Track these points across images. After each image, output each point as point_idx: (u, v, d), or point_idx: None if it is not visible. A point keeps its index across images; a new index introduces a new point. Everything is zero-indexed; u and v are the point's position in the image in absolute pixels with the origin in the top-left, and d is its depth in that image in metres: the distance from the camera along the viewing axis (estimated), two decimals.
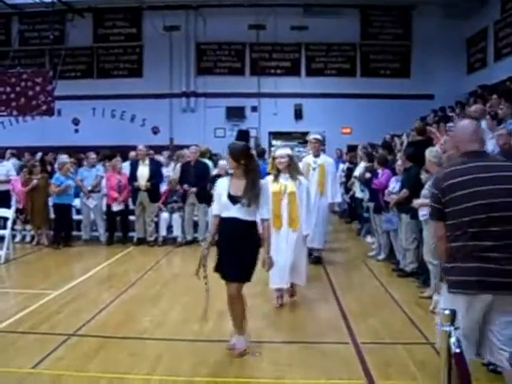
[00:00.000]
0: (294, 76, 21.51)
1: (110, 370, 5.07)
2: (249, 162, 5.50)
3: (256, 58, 21.47)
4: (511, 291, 3.54)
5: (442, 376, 3.36)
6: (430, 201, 4.13)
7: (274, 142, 20.57)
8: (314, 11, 20.38)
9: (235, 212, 5.39)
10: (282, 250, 6.98)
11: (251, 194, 5.36)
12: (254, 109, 21.26)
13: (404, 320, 6.76)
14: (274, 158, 7.40)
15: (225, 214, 5.47)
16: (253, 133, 20.66)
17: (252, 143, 19.23)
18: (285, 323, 6.72)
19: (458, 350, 3.21)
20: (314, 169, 9.98)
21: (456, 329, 3.32)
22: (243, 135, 19.64)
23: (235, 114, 21.06)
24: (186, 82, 21.33)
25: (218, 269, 5.48)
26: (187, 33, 21.19)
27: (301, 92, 20.95)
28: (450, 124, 11.57)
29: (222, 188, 5.56)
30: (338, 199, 10.74)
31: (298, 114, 21.10)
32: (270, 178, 7.22)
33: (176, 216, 12.10)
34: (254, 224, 5.53)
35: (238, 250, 5.39)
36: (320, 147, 10.29)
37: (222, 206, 5.51)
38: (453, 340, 3.24)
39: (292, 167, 7.19)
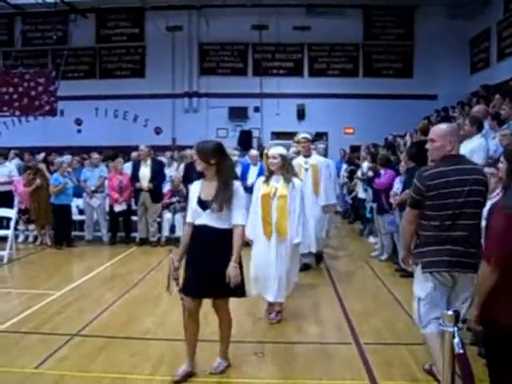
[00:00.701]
0: (296, 76, 21.51)
1: (112, 370, 5.07)
2: (220, 161, 4.87)
3: (259, 58, 21.48)
4: (474, 269, 4.12)
5: (446, 377, 3.36)
6: (411, 191, 4.78)
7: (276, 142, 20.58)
8: (316, 11, 20.38)
9: (205, 219, 4.83)
10: (272, 262, 6.50)
11: (223, 197, 4.77)
12: (257, 109, 21.27)
13: (407, 320, 6.74)
14: (266, 157, 6.78)
15: (196, 222, 4.91)
16: (255, 133, 20.68)
17: (255, 143, 19.25)
18: (288, 323, 6.70)
19: (461, 351, 3.20)
20: (306, 170, 9.35)
21: (459, 329, 3.31)
22: (246, 136, 19.71)
23: (238, 114, 21.06)
24: (189, 82, 21.35)
25: (184, 287, 4.86)
26: (190, 33, 21.21)
27: (303, 92, 20.95)
28: (454, 124, 11.55)
29: (193, 192, 5.01)
30: (333, 201, 9.86)
31: (301, 115, 21.10)
32: (260, 179, 6.80)
33: (178, 216, 12.10)
34: (229, 232, 4.84)
35: (209, 262, 4.77)
36: (310, 147, 9.67)
37: (193, 212, 4.96)
38: (456, 341, 3.24)
39: (285, 168, 6.59)
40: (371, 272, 9.55)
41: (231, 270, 4.72)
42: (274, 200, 6.50)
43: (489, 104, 11.35)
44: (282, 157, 6.60)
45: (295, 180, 6.69)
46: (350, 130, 20.65)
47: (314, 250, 9.32)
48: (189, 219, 5.00)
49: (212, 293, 4.90)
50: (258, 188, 6.68)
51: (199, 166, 4.93)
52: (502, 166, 4.62)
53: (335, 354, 5.64)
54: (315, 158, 9.57)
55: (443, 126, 4.75)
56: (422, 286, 4.58)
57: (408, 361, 5.37)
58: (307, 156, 9.46)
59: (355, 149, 17.49)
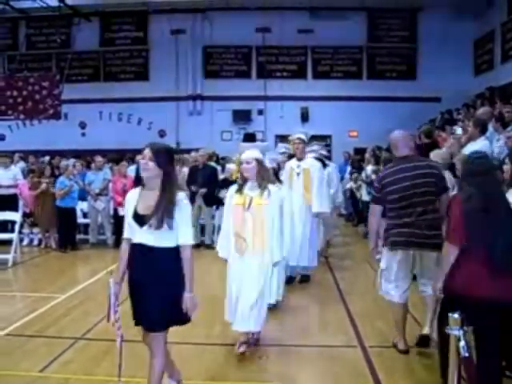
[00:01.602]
0: (300, 79, 21.48)
1: (114, 373, 5.06)
2: (171, 168, 4.20)
3: (262, 61, 21.46)
4: (428, 248, 5.36)
5: (452, 380, 3.35)
6: (373, 190, 6.14)
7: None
8: (320, 14, 20.39)
9: (142, 236, 4.07)
10: (247, 283, 5.53)
11: (164, 211, 4.00)
12: (261, 112, 21.25)
13: (411, 323, 6.72)
14: (238, 163, 5.94)
15: (134, 239, 4.17)
16: (259, 136, 20.65)
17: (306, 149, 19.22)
18: (292, 326, 6.70)
19: (467, 355, 3.20)
20: (297, 174, 8.72)
21: (465, 332, 3.31)
22: (250, 138, 19.69)
23: (242, 117, 21.05)
24: (193, 85, 21.35)
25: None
26: (194, 36, 21.20)
27: (307, 95, 20.90)
28: (455, 127, 11.55)
29: (129, 203, 4.23)
30: (326, 209, 8.92)
31: (305, 117, 21.04)
32: (232, 188, 5.84)
33: None
34: (172, 251, 4.09)
35: (146, 288, 4.10)
36: (304, 149, 8.89)
37: (129, 227, 4.22)
38: (462, 344, 3.23)
39: (261, 174, 5.64)
40: (375, 274, 9.52)
41: (187, 301, 4.07)
42: (248, 211, 5.57)
43: (493, 106, 11.34)
44: (258, 161, 5.66)
45: (272, 188, 5.74)
46: (354, 133, 20.62)
47: (303, 264, 8.75)
48: (126, 234, 4.29)
49: (146, 325, 4.29)
50: (230, 198, 5.79)
51: (149, 172, 4.11)
52: (506, 167, 4.72)
53: (340, 357, 5.63)
54: (309, 162, 8.84)
55: (396, 133, 5.77)
56: (385, 260, 5.69)
57: (413, 364, 5.37)
58: (300, 159, 8.81)
59: (359, 151, 17.50)
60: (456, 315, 3.37)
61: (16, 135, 20.84)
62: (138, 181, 12.14)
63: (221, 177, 12.62)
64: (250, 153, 5.73)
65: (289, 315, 7.17)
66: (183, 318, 4.18)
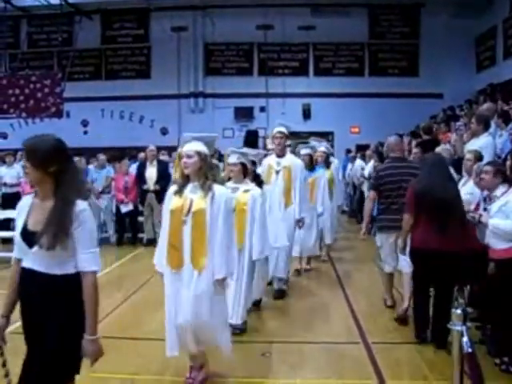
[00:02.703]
0: (302, 76, 21.48)
1: (120, 370, 5.07)
2: (62, 168, 3.18)
3: (264, 58, 21.47)
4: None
5: (455, 376, 3.35)
6: (372, 179, 7.87)
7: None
8: (321, 11, 20.37)
9: (31, 260, 3.16)
10: (183, 303, 4.56)
11: (56, 228, 3.05)
12: (263, 109, 21.25)
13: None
14: (179, 158, 4.98)
15: (23, 262, 3.26)
16: (261, 133, 20.63)
17: (260, 143, 19.21)
18: (296, 323, 6.70)
19: (470, 350, 3.19)
20: (277, 172, 7.76)
21: (467, 328, 3.30)
22: (252, 135, 19.65)
23: (243, 114, 21.05)
24: (194, 82, 21.36)
25: None
26: (195, 33, 21.22)
27: (309, 92, 20.92)
28: (459, 123, 11.53)
29: (19, 215, 3.32)
30: (304, 214, 7.88)
31: (307, 114, 21.08)
32: (172, 188, 4.83)
33: None
34: (68, 280, 3.14)
35: (34, 325, 3.28)
36: (286, 144, 8.02)
37: (18, 246, 3.30)
38: (465, 340, 3.22)
39: (203, 171, 4.65)
40: (378, 271, 9.51)
41: (86, 345, 3.22)
42: (187, 217, 4.58)
43: (495, 102, 11.32)
44: (200, 155, 4.64)
45: (217, 188, 4.68)
46: (356, 130, 20.61)
47: (279, 275, 7.71)
48: (15, 253, 3.36)
49: (30, 373, 3.31)
50: (169, 201, 4.79)
51: (30, 177, 3.27)
52: (509, 162, 4.78)
53: (344, 353, 5.63)
54: (290, 159, 7.94)
55: (391, 139, 7.22)
56: (379, 240, 7.03)
57: (416, 360, 5.36)
58: (281, 156, 7.86)
59: (361, 148, 17.49)
60: (459, 311, 3.36)
61: (18, 133, 20.77)
62: (139, 179, 12.19)
63: (223, 174, 12.59)
64: (192, 145, 4.69)
65: (292, 312, 7.17)
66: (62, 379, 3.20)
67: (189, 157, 4.64)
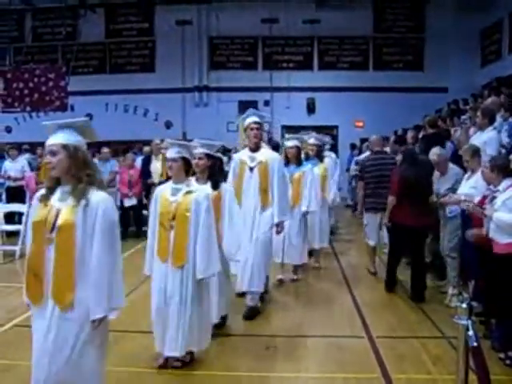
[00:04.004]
0: (306, 70, 21.40)
1: (126, 363, 5.09)
2: None
3: (268, 52, 21.40)
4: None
5: (460, 370, 3.34)
6: (358, 171, 10.02)
7: (286, 136, 20.53)
8: (326, 5, 20.28)
9: None
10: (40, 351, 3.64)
11: None
12: (267, 103, 21.18)
13: (418, 314, 6.74)
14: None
15: None
16: (265, 127, 20.62)
17: (265, 137, 19.20)
18: (300, 317, 6.71)
19: (475, 344, 3.19)
20: (251, 169, 6.69)
21: (473, 322, 3.29)
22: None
23: (248, 108, 20.81)
24: (199, 76, 21.31)
25: None
26: (199, 27, 21.16)
27: (313, 86, 20.84)
28: (464, 117, 11.50)
29: None
30: (285, 216, 6.83)
31: (311, 108, 21.03)
32: (38, 193, 3.67)
33: None
34: None
35: None
36: (262, 136, 7.02)
37: None
38: (471, 333, 3.22)
39: (72, 171, 3.52)
40: (382, 265, 9.51)
41: None
42: (52, 234, 3.44)
43: (500, 96, 11.28)
44: (68, 150, 3.49)
45: (94, 195, 3.52)
46: (360, 124, 20.55)
47: (254, 288, 6.64)
48: None
49: None
50: (33, 210, 3.66)
51: None
52: None
53: (347, 347, 5.64)
54: (266, 153, 6.86)
55: (374, 137, 9.18)
56: (366, 219, 8.73)
57: (420, 354, 5.37)
58: (256, 149, 6.77)
59: (365, 142, 17.45)
60: (464, 305, 3.36)
61: (22, 127, 20.82)
62: (145, 172, 12.20)
63: (227, 168, 12.58)
64: (57, 137, 3.56)
65: (296, 306, 7.17)
66: None
67: (52, 153, 3.48)
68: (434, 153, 7.27)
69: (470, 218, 5.95)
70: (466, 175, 6.67)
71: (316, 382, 4.87)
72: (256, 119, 6.70)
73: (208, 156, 5.68)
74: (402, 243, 7.54)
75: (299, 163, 8.36)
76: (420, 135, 10.98)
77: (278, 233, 6.82)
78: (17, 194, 12.38)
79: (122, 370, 4.94)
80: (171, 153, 5.02)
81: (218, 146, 5.97)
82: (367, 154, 12.55)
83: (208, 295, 5.23)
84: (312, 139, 9.55)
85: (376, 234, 8.60)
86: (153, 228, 5.14)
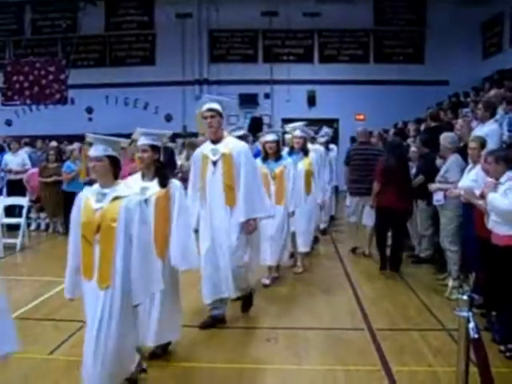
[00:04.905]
0: (306, 63, 21.36)
1: None
2: None
3: (269, 44, 21.36)
4: (368, 195, 8.80)
5: (460, 362, 3.34)
6: (345, 157, 11.02)
7: (265, 130, 20.46)
8: None
9: None
10: None
11: None
12: (267, 96, 21.18)
13: (419, 306, 6.75)
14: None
15: None
16: (266, 120, 20.61)
17: (265, 130, 19.20)
18: (301, 309, 6.71)
19: (476, 336, 3.18)
20: (213, 163, 5.84)
21: (474, 314, 3.29)
22: (256, 122, 19.65)
23: (248, 101, 20.96)
24: (199, 69, 21.27)
25: None
26: (200, 20, 21.11)
27: (314, 79, 20.80)
28: (467, 109, 11.48)
29: None
30: (260, 212, 6.02)
31: (311, 101, 20.99)
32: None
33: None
34: None
35: None
36: (221, 124, 5.90)
37: None
38: (471, 325, 3.22)
39: None
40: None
41: None
42: None
43: (502, 89, 11.26)
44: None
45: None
46: (361, 117, 20.49)
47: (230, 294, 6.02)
48: None
49: None
50: None
51: None
52: None
53: (348, 339, 5.64)
54: (231, 143, 5.95)
55: (360, 128, 10.28)
56: (349, 201, 10.08)
57: (421, 346, 5.37)
58: (217, 141, 5.89)
59: None
60: (465, 297, 3.35)
61: (22, 120, 20.82)
62: None
63: None
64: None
65: (297, 298, 7.17)
66: None
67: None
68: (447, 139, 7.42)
69: (471, 213, 5.94)
70: (468, 167, 6.66)
71: (316, 374, 4.87)
72: (211, 105, 5.77)
73: (153, 148, 4.95)
74: (385, 223, 8.45)
75: (278, 157, 7.70)
76: (421, 128, 10.98)
77: (248, 233, 5.90)
78: (17, 188, 12.38)
79: None
80: (95, 151, 4.19)
81: (166, 135, 5.30)
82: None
83: (134, 321, 4.27)
84: (297, 131, 8.65)
85: (356, 214, 9.85)
86: (74, 241, 4.19)
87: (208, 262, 5.75)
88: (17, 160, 13.06)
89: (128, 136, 5.62)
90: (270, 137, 7.69)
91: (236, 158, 5.78)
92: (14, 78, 18.16)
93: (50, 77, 18.06)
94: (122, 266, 3.98)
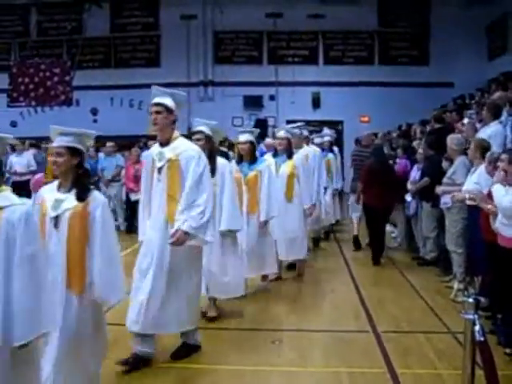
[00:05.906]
0: (311, 64, 21.37)
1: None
2: None
3: (273, 46, 21.37)
4: None
5: (466, 365, 3.33)
6: (351, 159, 11.75)
7: (240, 130, 20.42)
8: None
9: None
10: None
11: None
12: (272, 97, 21.18)
13: (424, 308, 6.74)
14: None
15: None
16: (270, 121, 20.61)
17: (270, 132, 19.19)
18: (305, 311, 6.71)
19: (482, 339, 3.17)
20: (158, 170, 4.94)
21: (479, 317, 3.28)
22: (261, 124, 19.65)
23: (253, 102, 20.98)
24: (204, 71, 21.30)
25: None
26: (204, 22, 21.12)
27: (318, 80, 20.82)
28: (471, 111, 11.46)
29: None
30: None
31: (316, 103, 20.98)
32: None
33: None
34: None
35: None
36: (170, 122, 4.96)
37: None
38: (477, 328, 3.21)
39: None
40: (388, 260, 9.51)
41: None
42: None
43: (507, 91, 11.24)
44: None
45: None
46: (366, 118, 20.48)
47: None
48: None
49: None
50: None
51: None
52: None
53: (353, 341, 5.63)
54: (178, 146, 4.93)
55: (364, 133, 11.65)
56: (350, 199, 10.88)
57: (425, 349, 5.36)
58: (165, 143, 4.97)
59: None
60: (471, 299, 3.35)
61: (27, 122, 20.82)
62: None
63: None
64: None
65: (302, 299, 7.17)
66: None
67: None
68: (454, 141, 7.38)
69: (477, 216, 5.91)
70: (471, 170, 6.64)
71: (321, 376, 4.87)
72: (157, 100, 4.93)
73: (72, 151, 3.97)
74: (371, 218, 9.44)
75: (253, 160, 7.11)
76: (426, 130, 10.97)
77: (176, 245, 4.77)
78: (22, 189, 12.39)
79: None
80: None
81: (90, 136, 4.35)
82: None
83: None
84: (282, 132, 8.21)
85: (358, 211, 10.47)
86: None
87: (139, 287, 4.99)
88: (22, 161, 13.09)
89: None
90: (243, 137, 7.05)
91: (183, 165, 4.81)
92: (20, 79, 18.21)
93: (55, 78, 18.11)
94: None
